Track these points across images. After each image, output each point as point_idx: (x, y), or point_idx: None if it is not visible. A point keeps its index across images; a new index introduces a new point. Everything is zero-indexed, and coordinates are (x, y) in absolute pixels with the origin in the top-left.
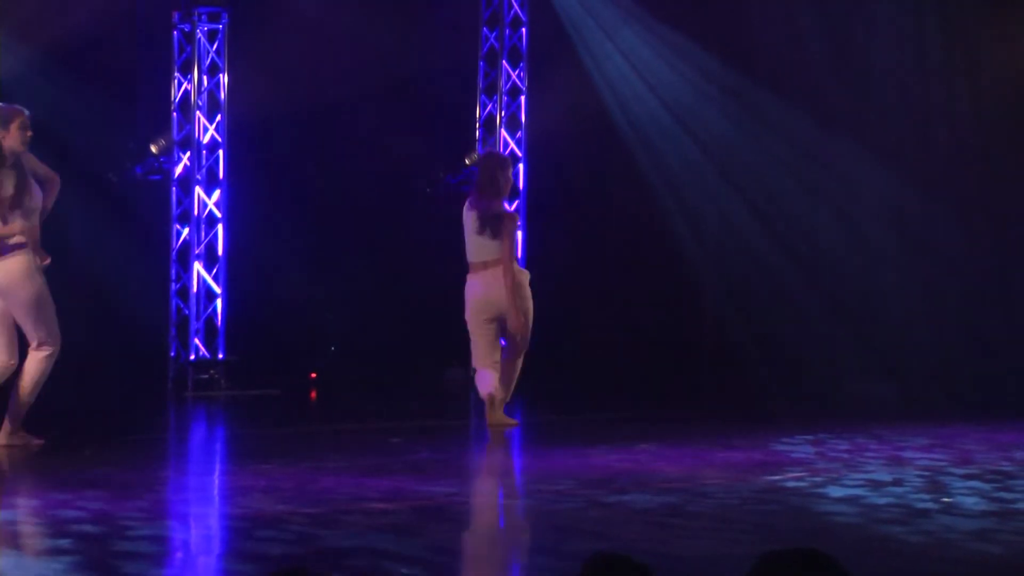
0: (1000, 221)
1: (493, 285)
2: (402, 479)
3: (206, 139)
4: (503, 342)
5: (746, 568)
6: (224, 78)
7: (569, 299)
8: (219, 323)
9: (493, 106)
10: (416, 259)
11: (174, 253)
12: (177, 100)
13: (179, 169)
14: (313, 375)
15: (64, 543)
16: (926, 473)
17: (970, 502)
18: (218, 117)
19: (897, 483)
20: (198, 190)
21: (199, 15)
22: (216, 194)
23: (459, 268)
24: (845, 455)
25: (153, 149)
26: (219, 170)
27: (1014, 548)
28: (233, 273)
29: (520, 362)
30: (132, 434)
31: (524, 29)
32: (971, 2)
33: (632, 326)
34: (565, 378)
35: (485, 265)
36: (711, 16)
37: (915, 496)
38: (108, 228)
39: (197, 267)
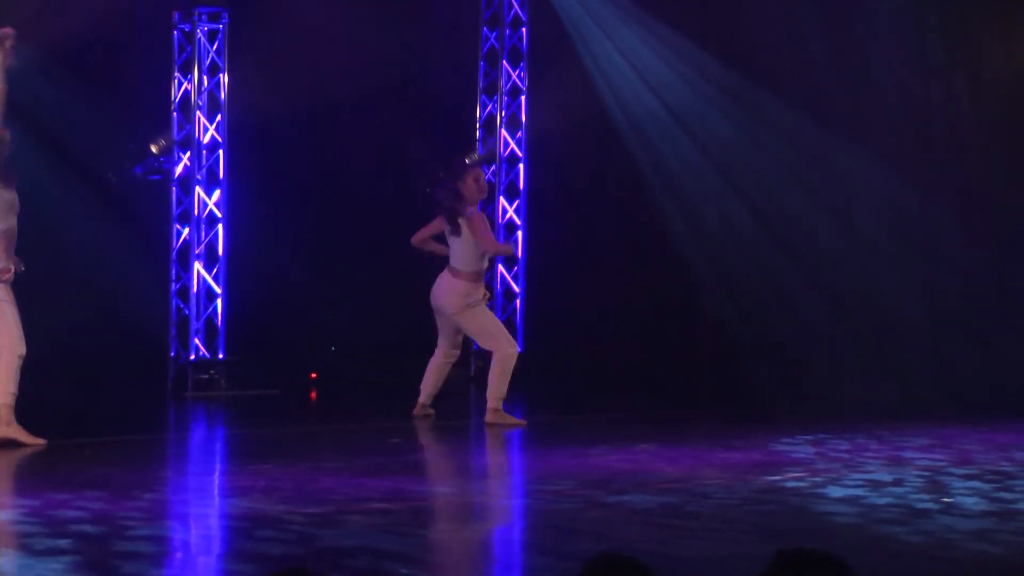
0: (1000, 220)
1: (438, 287)
2: (402, 479)
3: (206, 139)
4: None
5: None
6: (224, 78)
7: (569, 299)
8: (219, 323)
9: (493, 106)
10: (416, 259)
11: (174, 253)
12: (177, 100)
13: (179, 169)
14: (313, 375)
15: (64, 543)
16: (926, 473)
17: (970, 502)
18: (218, 117)
19: (897, 483)
20: (198, 190)
21: (199, 15)
22: (216, 194)
23: None
24: (845, 455)
25: (153, 149)
26: (219, 170)
27: (1014, 548)
28: (233, 273)
29: (499, 366)
30: (132, 434)
31: (524, 29)
32: (971, 1)
33: (632, 326)
34: (564, 378)
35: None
36: (711, 16)
37: (915, 496)
38: (108, 228)
39: (197, 267)
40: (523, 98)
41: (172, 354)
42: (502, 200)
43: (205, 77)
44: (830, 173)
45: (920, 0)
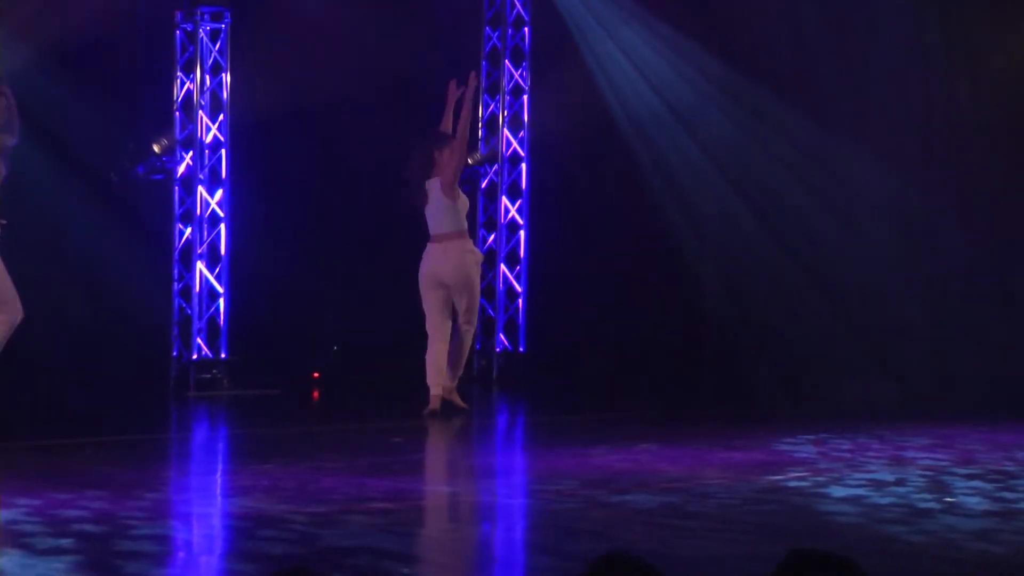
0: (1002, 220)
1: (446, 257)
2: (403, 479)
3: (208, 139)
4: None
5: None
6: (227, 77)
7: (570, 298)
8: (221, 323)
9: (496, 106)
10: (418, 259)
11: (176, 253)
12: (180, 100)
13: (182, 169)
14: (315, 375)
15: (66, 542)
16: (928, 473)
17: (972, 502)
18: (220, 116)
19: (899, 483)
20: (201, 190)
21: (202, 14)
22: (219, 194)
23: None
24: (847, 455)
25: (156, 148)
26: (222, 170)
27: (1016, 548)
28: (236, 273)
29: (470, 335)
30: (134, 433)
31: (527, 29)
32: (972, 1)
33: (633, 325)
34: (566, 378)
35: (446, 237)
36: (713, 16)
37: (917, 496)
38: (110, 228)
39: (200, 267)
40: (525, 98)
41: (174, 353)
42: (504, 200)
43: (207, 77)
44: (831, 173)
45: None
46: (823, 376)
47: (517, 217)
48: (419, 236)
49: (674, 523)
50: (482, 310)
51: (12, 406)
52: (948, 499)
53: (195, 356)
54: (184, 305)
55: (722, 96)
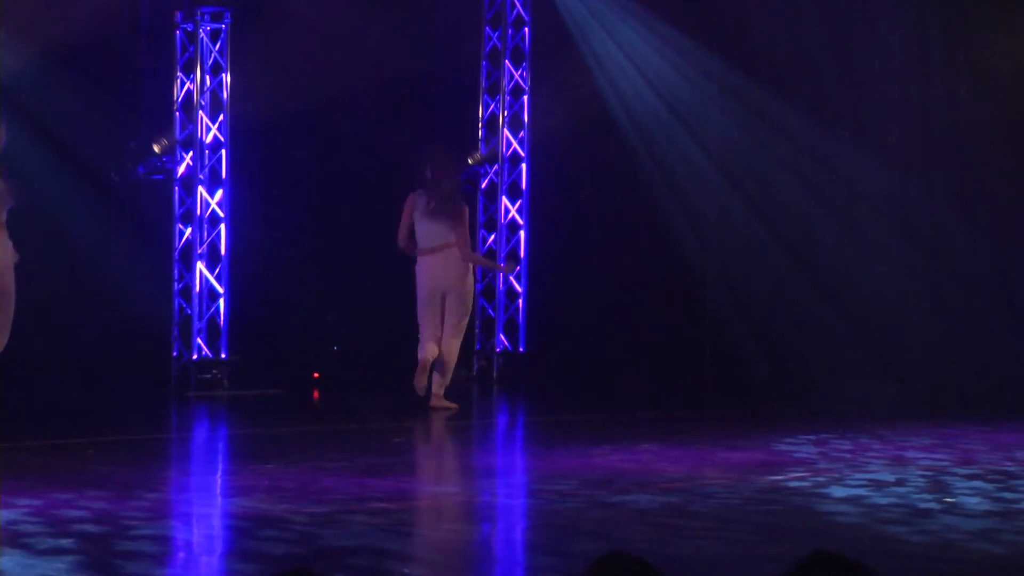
0: (1003, 220)
1: (449, 266)
2: (404, 479)
3: (209, 139)
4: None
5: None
6: (227, 78)
7: (570, 298)
8: (222, 323)
9: (496, 106)
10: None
11: (177, 253)
12: (180, 100)
13: (182, 169)
14: (315, 375)
15: (66, 543)
16: (928, 473)
17: (972, 502)
18: (221, 117)
19: (900, 483)
20: (201, 190)
21: (202, 15)
22: (219, 194)
23: None
24: (847, 455)
25: (156, 149)
26: (222, 170)
27: (1016, 548)
28: (236, 273)
29: (457, 344)
30: (135, 434)
31: (527, 29)
32: (972, 1)
33: (634, 326)
34: (567, 378)
35: (443, 248)
36: (713, 15)
37: (918, 496)
38: (111, 228)
39: (200, 267)
40: (525, 98)
41: (175, 354)
42: (504, 200)
43: (207, 77)
44: (832, 172)
45: (922, 1)
46: (824, 376)
47: (517, 217)
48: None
49: (675, 523)
50: (482, 310)
51: (12, 406)
52: (948, 499)
53: (195, 356)
54: (184, 305)
55: (722, 95)
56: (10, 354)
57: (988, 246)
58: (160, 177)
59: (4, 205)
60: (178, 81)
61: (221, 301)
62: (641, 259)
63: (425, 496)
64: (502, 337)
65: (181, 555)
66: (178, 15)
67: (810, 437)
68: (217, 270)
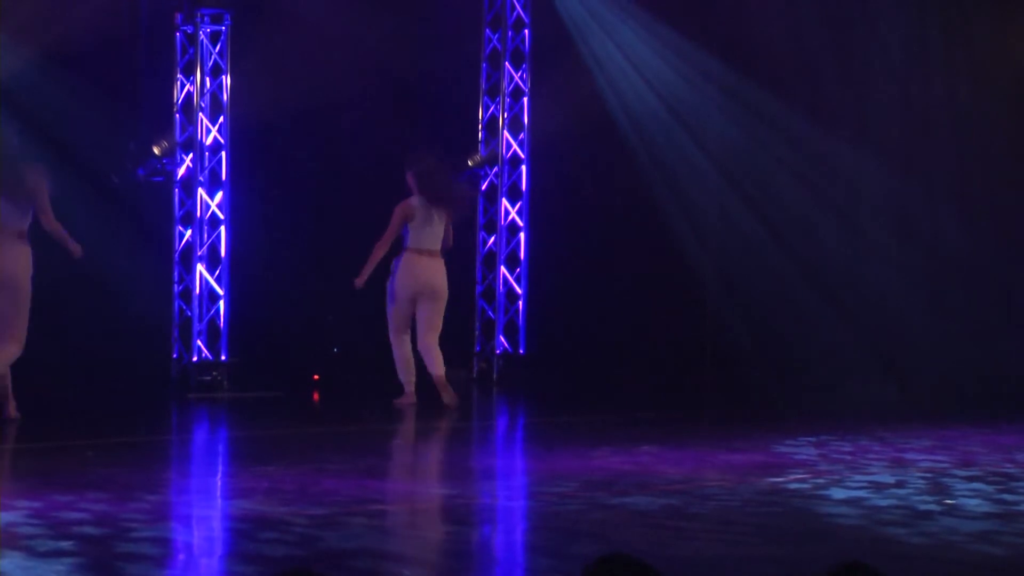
0: (1004, 220)
1: (438, 271)
2: (404, 481)
3: (209, 141)
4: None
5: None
6: (227, 80)
7: (570, 300)
8: (222, 325)
9: (496, 108)
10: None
11: (177, 255)
12: (180, 102)
13: (182, 171)
14: (316, 377)
15: (66, 545)
16: (929, 475)
17: (973, 504)
18: (221, 119)
19: (900, 485)
20: (201, 192)
21: (202, 17)
22: (219, 196)
23: (459, 270)
24: (847, 457)
25: (156, 151)
26: (222, 172)
27: (1017, 550)
28: (236, 275)
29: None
30: (135, 435)
31: (527, 31)
32: (973, 2)
33: (634, 327)
34: (566, 380)
35: (437, 253)
36: (713, 16)
37: (918, 498)
38: (111, 230)
39: (200, 269)
40: (525, 100)
41: (175, 356)
42: (504, 202)
43: (207, 79)
44: (832, 172)
45: (922, 1)
46: (824, 378)
47: (517, 219)
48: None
49: (675, 525)
50: (482, 312)
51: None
52: (948, 501)
53: (195, 358)
54: (184, 307)
55: (722, 97)
56: None
57: (989, 247)
58: (160, 179)
59: (25, 211)
60: (178, 83)
61: (221, 303)
62: (641, 261)
63: (425, 498)
64: (502, 339)
65: (181, 557)
66: (178, 17)
67: (810, 439)
68: (217, 272)
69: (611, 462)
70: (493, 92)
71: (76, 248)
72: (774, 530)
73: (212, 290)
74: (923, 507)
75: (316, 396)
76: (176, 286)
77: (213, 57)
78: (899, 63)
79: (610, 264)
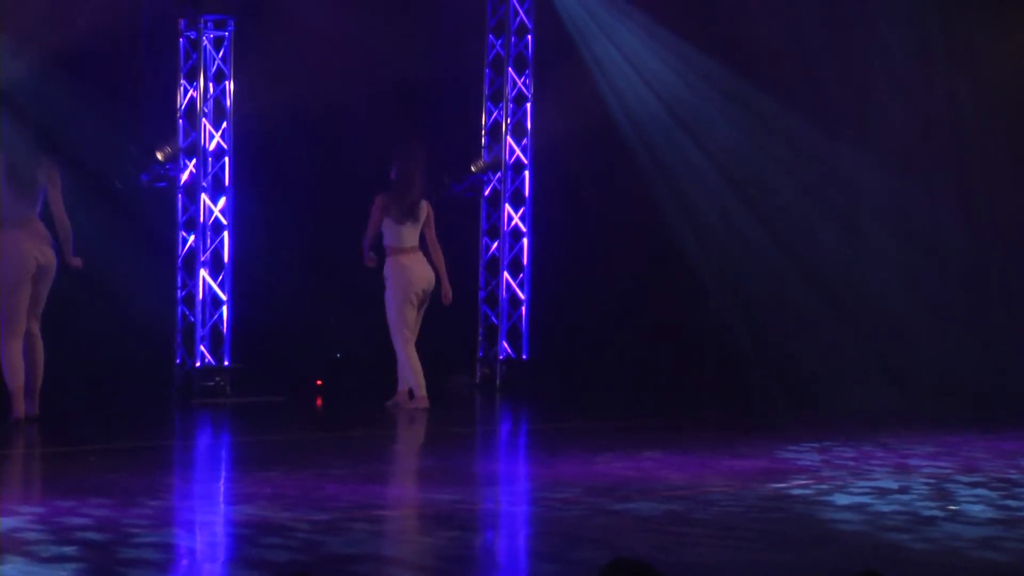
0: (1005, 221)
1: (426, 267)
2: (407, 486)
3: (212, 146)
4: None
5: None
6: (230, 85)
7: (573, 306)
8: (225, 330)
9: (499, 113)
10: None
11: (180, 260)
12: (183, 107)
13: (185, 176)
14: (319, 382)
15: (69, 550)
16: (932, 481)
17: (976, 510)
18: (224, 124)
19: (903, 491)
20: (204, 197)
21: (205, 22)
22: (222, 201)
23: (462, 275)
24: (851, 463)
25: (159, 156)
26: (225, 177)
27: (1020, 556)
28: (239, 280)
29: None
30: (138, 441)
31: (530, 36)
32: (973, 2)
33: (637, 333)
34: (569, 385)
35: (414, 250)
36: (715, 22)
37: (921, 504)
38: (113, 235)
39: (203, 274)
40: (528, 105)
41: (178, 361)
42: (507, 207)
43: (211, 84)
44: (833, 174)
45: (923, 3)
46: (827, 383)
47: (520, 224)
48: (424, 243)
49: (677, 531)
50: (485, 317)
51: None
52: (952, 507)
53: (198, 363)
54: (187, 312)
55: (726, 102)
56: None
57: (992, 250)
58: (163, 184)
59: (21, 198)
60: (181, 88)
61: (224, 308)
62: (644, 266)
63: (428, 503)
64: (505, 344)
65: (184, 562)
66: (181, 23)
67: (813, 445)
68: (220, 277)
69: (614, 467)
70: (496, 97)
71: (75, 261)
72: (777, 536)
73: (215, 295)
74: (926, 513)
75: (319, 401)
76: (179, 291)
77: (216, 63)
78: (899, 64)
79: (613, 269)
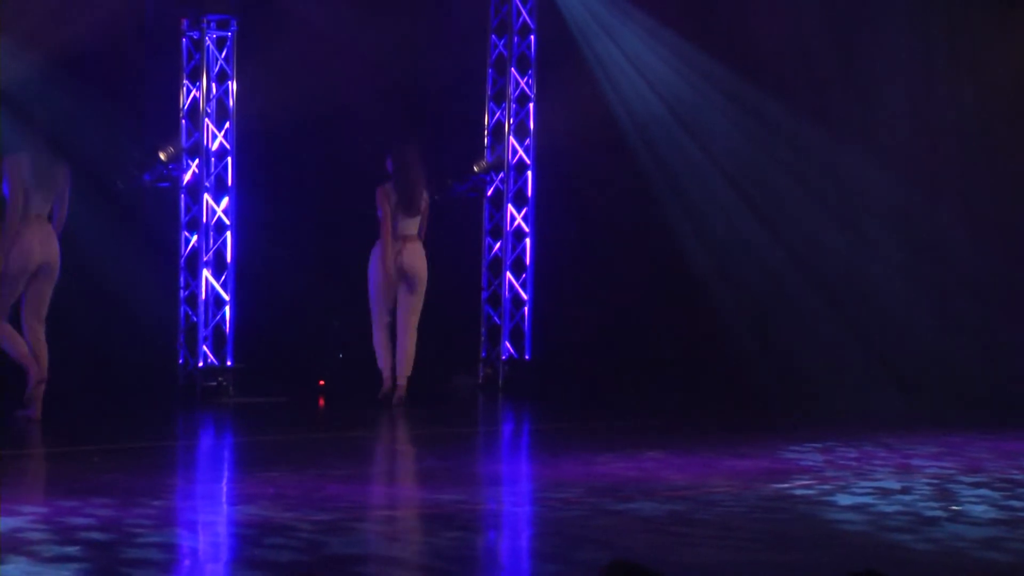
0: (1008, 225)
1: (420, 255)
2: (409, 486)
3: (215, 146)
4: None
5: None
6: (233, 85)
7: (576, 306)
8: (227, 330)
9: (502, 113)
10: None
11: (183, 260)
12: (186, 107)
13: (188, 176)
14: (321, 383)
15: (72, 550)
16: (935, 481)
17: (979, 510)
18: (227, 124)
19: (906, 491)
20: (207, 197)
21: (208, 22)
22: (225, 201)
23: (465, 276)
24: (853, 463)
25: (162, 156)
26: (228, 177)
27: (1023, 556)
28: (241, 280)
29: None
30: (140, 441)
31: (533, 36)
32: (977, 4)
33: (639, 333)
34: (571, 386)
35: (408, 238)
36: (719, 23)
37: (924, 504)
38: (117, 235)
39: (206, 274)
40: (531, 105)
41: (180, 361)
42: (510, 207)
43: (213, 84)
44: (837, 177)
45: (926, 5)
46: (830, 384)
47: (523, 225)
48: (426, 243)
49: (679, 531)
50: (487, 317)
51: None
52: (954, 507)
53: (201, 364)
54: (190, 313)
55: (728, 103)
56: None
57: (994, 251)
58: (166, 185)
59: (40, 196)
60: (184, 89)
61: (227, 308)
62: (647, 266)
63: (430, 504)
64: (507, 344)
65: (187, 563)
66: (184, 23)
67: (816, 445)
68: (223, 277)
69: (616, 468)
70: (499, 98)
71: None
72: (779, 536)
73: (218, 296)
74: (929, 513)
75: (321, 401)
76: (182, 291)
77: (219, 63)
78: (903, 66)
79: (616, 270)
